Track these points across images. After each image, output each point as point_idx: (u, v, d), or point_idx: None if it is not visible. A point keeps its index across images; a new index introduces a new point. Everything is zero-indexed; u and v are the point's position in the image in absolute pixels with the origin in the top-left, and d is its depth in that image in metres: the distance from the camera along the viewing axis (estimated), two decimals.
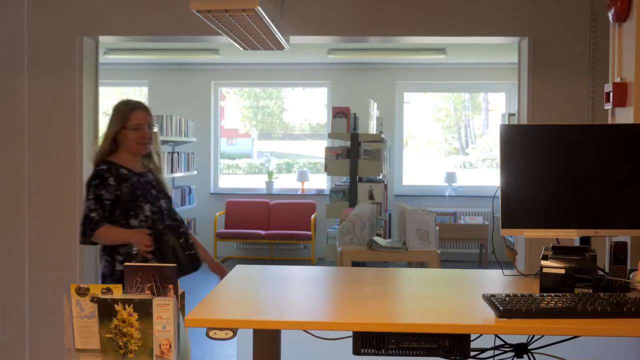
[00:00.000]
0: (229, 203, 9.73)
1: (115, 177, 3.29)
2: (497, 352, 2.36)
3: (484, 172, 10.84)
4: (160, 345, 1.98)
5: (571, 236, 2.38)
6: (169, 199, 3.48)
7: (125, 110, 3.40)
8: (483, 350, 2.33)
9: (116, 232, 3.26)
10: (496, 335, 2.32)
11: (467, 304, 2.18)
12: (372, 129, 6.93)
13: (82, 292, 2.05)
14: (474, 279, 2.68)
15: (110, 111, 3.50)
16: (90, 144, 4.69)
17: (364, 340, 1.98)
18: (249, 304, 2.21)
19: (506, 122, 8.32)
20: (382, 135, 6.99)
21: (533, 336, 2.32)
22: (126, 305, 1.98)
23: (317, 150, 10.52)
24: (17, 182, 4.55)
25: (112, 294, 2.03)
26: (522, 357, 2.35)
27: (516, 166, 2.40)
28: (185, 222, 3.58)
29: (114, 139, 3.38)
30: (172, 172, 8.43)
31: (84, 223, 3.28)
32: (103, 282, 3.30)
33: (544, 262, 2.25)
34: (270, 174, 10.27)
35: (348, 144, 6.28)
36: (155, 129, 3.50)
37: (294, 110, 11.16)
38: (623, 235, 2.51)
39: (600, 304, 1.98)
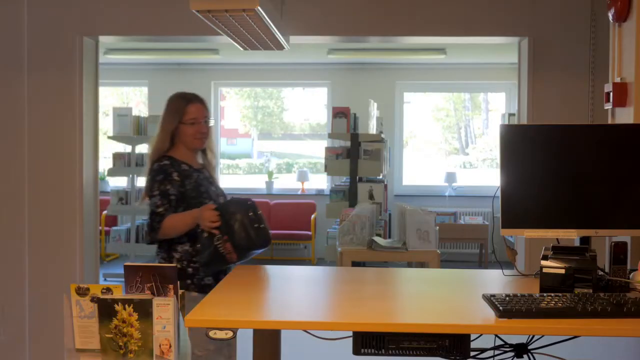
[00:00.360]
0: None
1: (178, 172, 3.17)
2: (497, 352, 2.36)
3: (484, 172, 10.84)
4: (160, 345, 1.98)
5: (571, 236, 2.38)
6: (225, 196, 3.37)
7: (181, 104, 3.25)
8: (483, 350, 2.33)
9: (181, 216, 3.11)
10: (496, 335, 2.32)
11: (467, 304, 2.18)
12: (372, 129, 6.93)
13: (82, 292, 2.05)
14: (474, 279, 2.69)
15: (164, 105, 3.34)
16: (91, 144, 4.69)
17: (364, 340, 1.98)
18: (249, 304, 2.21)
19: (506, 122, 8.32)
20: (382, 135, 7.00)
21: (533, 336, 2.32)
22: (126, 305, 1.98)
23: (317, 150, 10.52)
24: (17, 182, 4.55)
25: (112, 294, 2.03)
26: (522, 357, 2.35)
27: (516, 166, 2.40)
28: None
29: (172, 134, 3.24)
30: None
31: (151, 219, 3.13)
32: None
33: (544, 262, 2.25)
34: (270, 174, 10.28)
35: (348, 144, 6.28)
36: (211, 123, 3.35)
37: (294, 110, 11.16)
38: (623, 235, 2.50)
39: (600, 304, 1.98)
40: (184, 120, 3.22)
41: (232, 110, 11.45)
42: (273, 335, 2.53)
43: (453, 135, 11.17)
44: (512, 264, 2.60)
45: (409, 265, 6.15)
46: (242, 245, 3.01)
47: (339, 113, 6.30)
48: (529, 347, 2.35)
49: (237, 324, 1.97)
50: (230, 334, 1.93)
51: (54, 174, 4.57)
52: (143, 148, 8.69)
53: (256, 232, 3.01)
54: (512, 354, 2.36)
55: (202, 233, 3.06)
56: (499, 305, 1.97)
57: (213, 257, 3.02)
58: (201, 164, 3.34)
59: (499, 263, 2.86)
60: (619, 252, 2.33)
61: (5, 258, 4.55)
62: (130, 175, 7.95)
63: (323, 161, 6.46)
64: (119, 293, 2.03)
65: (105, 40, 4.89)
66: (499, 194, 2.39)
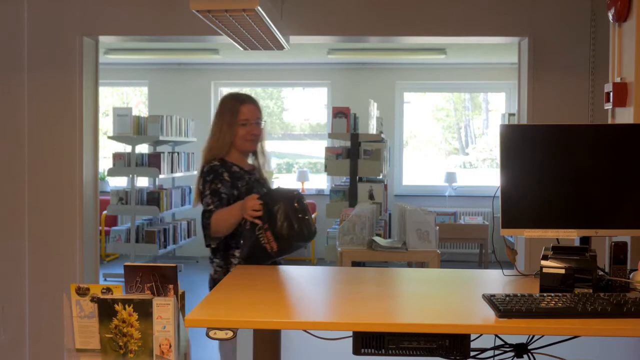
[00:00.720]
0: None
1: (228, 173, 3.11)
2: (497, 352, 2.36)
3: (484, 172, 10.83)
4: (160, 345, 1.98)
5: (571, 236, 2.38)
6: None
7: (234, 105, 3.19)
8: (483, 350, 2.33)
9: (227, 209, 3.01)
10: (496, 335, 2.32)
11: (467, 304, 2.18)
12: (372, 129, 6.93)
13: (82, 292, 2.05)
14: (474, 279, 2.68)
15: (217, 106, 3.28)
16: (91, 144, 4.70)
17: (364, 340, 1.98)
18: (249, 304, 2.21)
19: (506, 122, 8.32)
20: (382, 135, 6.99)
21: (533, 336, 2.32)
22: (126, 305, 1.98)
23: (317, 150, 10.51)
24: (17, 182, 4.55)
25: (112, 294, 2.03)
26: (522, 357, 2.35)
27: (516, 166, 2.40)
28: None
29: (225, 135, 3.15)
30: (172, 172, 8.44)
31: (202, 217, 3.06)
32: (213, 287, 3.08)
33: (544, 262, 2.25)
34: (270, 174, 10.27)
35: (348, 144, 6.27)
36: (263, 125, 3.27)
37: (294, 110, 11.16)
38: (623, 235, 2.50)
39: (600, 304, 1.98)
40: (236, 121, 3.15)
41: None
42: (273, 335, 2.53)
43: (453, 135, 11.16)
44: (512, 264, 2.60)
45: (409, 265, 6.15)
46: (283, 235, 2.88)
47: (339, 113, 6.29)
48: (529, 347, 2.35)
49: (237, 324, 1.97)
50: (230, 334, 1.93)
51: (54, 174, 4.57)
52: (143, 148, 8.69)
53: (299, 223, 2.88)
54: (512, 354, 2.36)
55: (245, 225, 2.97)
56: (499, 305, 1.97)
57: (254, 248, 2.91)
58: (251, 166, 3.28)
59: (499, 263, 2.87)
60: (619, 252, 2.33)
61: (5, 258, 4.55)
62: (130, 175, 7.95)
63: (323, 161, 6.46)
64: (119, 293, 2.03)
65: (105, 40, 4.90)
66: (499, 194, 2.39)
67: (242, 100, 3.21)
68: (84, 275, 4.58)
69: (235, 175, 3.13)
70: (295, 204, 2.90)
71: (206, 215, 3.05)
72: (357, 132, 6.33)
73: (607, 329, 1.92)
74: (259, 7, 3.47)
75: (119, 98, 11.33)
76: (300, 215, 2.89)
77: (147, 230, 8.21)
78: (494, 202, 2.47)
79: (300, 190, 3.03)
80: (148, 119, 7.95)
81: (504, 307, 1.96)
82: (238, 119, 3.16)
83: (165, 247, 8.38)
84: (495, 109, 10.78)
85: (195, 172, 10.06)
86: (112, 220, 9.32)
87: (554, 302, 2.00)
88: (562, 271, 2.21)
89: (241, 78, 10.08)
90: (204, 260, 9.56)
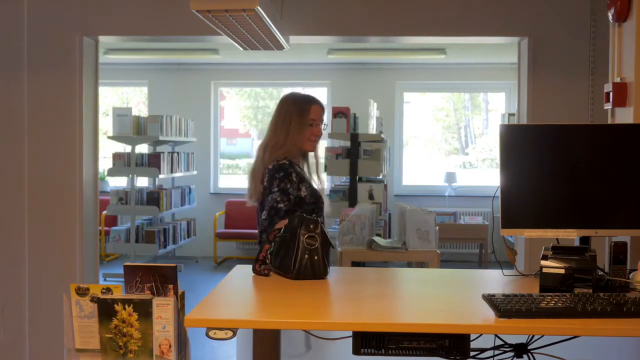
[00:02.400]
0: (229, 203, 9.73)
1: (296, 173, 3.08)
2: (497, 352, 2.35)
3: (484, 172, 10.83)
4: (160, 345, 1.98)
5: (571, 236, 2.38)
6: (323, 203, 3.23)
7: (304, 105, 3.18)
8: (483, 350, 2.33)
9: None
10: (496, 335, 2.32)
11: (467, 304, 2.18)
12: (372, 129, 6.93)
13: (82, 292, 2.05)
14: (474, 279, 2.68)
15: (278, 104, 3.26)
16: (91, 144, 4.69)
17: (364, 340, 1.98)
18: (249, 304, 2.21)
19: (506, 122, 8.32)
20: (382, 135, 6.99)
21: (533, 336, 2.32)
22: (126, 305, 1.98)
23: None
24: (17, 182, 4.55)
25: (112, 294, 2.03)
26: (522, 357, 2.35)
27: (516, 166, 2.40)
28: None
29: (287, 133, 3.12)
30: (172, 172, 8.44)
31: (270, 214, 2.98)
32: None
33: (543, 262, 2.25)
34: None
35: (348, 144, 6.27)
36: (325, 127, 3.28)
37: None
38: (623, 235, 2.50)
39: (600, 304, 1.98)
40: (306, 121, 3.15)
41: (232, 110, 11.44)
42: (273, 335, 2.52)
43: (453, 135, 11.16)
44: (512, 264, 2.60)
45: (409, 265, 6.15)
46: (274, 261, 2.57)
47: (339, 113, 6.29)
48: (529, 347, 2.35)
49: (237, 324, 1.97)
50: (230, 333, 1.93)
51: (54, 174, 4.57)
52: (143, 148, 8.69)
53: (297, 261, 2.48)
54: (512, 354, 2.36)
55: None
56: (498, 305, 1.97)
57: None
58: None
59: (498, 263, 2.87)
60: (618, 252, 2.33)
61: (5, 258, 4.55)
62: (130, 175, 7.95)
63: (323, 161, 6.46)
64: (119, 293, 2.04)
65: (105, 40, 4.90)
66: (498, 194, 2.39)
67: (310, 100, 3.21)
68: (83, 275, 4.58)
69: (300, 176, 3.10)
70: (305, 239, 2.49)
71: (272, 213, 2.97)
72: (357, 132, 6.33)
73: (607, 329, 1.92)
74: (258, 7, 3.48)
75: (119, 98, 11.33)
76: (304, 254, 2.49)
77: (147, 230, 8.21)
78: (493, 202, 2.47)
79: (322, 222, 2.63)
80: (148, 119, 7.95)
81: (504, 307, 1.96)
82: (308, 118, 3.15)
83: (165, 247, 8.38)
84: (495, 109, 10.78)
85: (195, 172, 10.07)
86: (112, 220, 9.32)
87: (553, 302, 2.00)
88: (562, 271, 2.21)
89: (241, 78, 10.08)
90: (203, 260, 9.58)
